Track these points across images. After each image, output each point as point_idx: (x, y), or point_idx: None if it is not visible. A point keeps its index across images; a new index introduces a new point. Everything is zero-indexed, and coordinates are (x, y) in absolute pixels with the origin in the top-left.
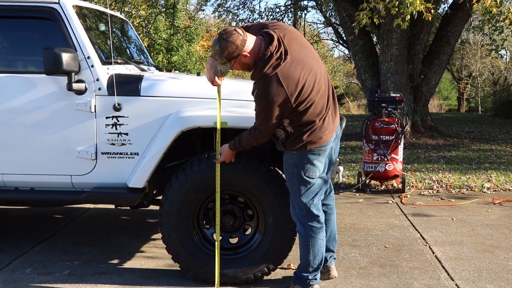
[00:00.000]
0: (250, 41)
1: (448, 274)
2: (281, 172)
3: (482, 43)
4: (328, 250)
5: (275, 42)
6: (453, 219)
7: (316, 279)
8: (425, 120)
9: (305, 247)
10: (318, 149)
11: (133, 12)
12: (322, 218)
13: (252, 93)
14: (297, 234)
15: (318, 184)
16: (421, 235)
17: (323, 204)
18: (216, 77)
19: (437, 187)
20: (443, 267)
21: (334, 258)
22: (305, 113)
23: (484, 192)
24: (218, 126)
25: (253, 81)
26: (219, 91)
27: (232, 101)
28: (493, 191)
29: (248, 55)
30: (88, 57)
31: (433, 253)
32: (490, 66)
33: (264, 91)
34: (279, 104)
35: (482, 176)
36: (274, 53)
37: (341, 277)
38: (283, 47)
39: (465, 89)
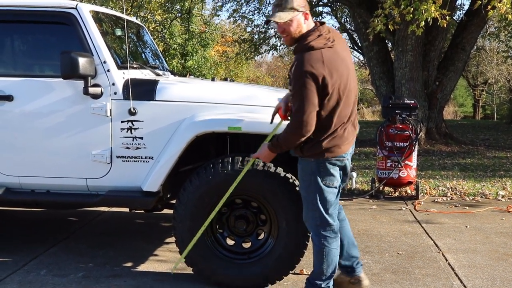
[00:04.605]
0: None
1: (461, 282)
2: (294, 178)
3: (498, 49)
4: (351, 256)
5: (326, 27)
6: (466, 227)
7: (329, 287)
8: (439, 127)
9: (319, 256)
10: (336, 159)
11: (149, 17)
12: (336, 227)
13: (291, 68)
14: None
15: (334, 193)
16: (434, 242)
17: None
18: (280, 111)
19: (451, 194)
20: (456, 275)
21: (361, 264)
22: (329, 119)
23: (499, 200)
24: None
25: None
26: (279, 124)
27: (244, 106)
28: (508, 199)
29: (306, 19)
30: (104, 62)
31: (446, 260)
32: (506, 73)
33: (305, 61)
34: (316, 78)
35: (497, 183)
36: (324, 34)
37: None
38: (332, 35)
39: (480, 96)
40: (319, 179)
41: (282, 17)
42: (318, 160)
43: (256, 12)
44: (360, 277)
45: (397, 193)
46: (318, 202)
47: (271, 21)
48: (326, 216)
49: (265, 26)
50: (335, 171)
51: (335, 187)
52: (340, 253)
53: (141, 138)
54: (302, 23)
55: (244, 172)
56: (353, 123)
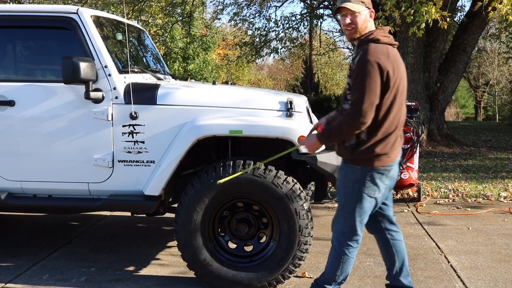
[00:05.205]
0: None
1: (464, 284)
2: (296, 181)
3: (499, 51)
4: (407, 275)
5: (387, 30)
6: (469, 228)
7: None
8: (441, 129)
9: (335, 262)
10: (384, 168)
11: (150, 21)
12: (361, 238)
13: (353, 59)
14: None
15: (372, 204)
16: (436, 244)
17: (389, 229)
18: (320, 127)
19: (453, 196)
20: (459, 277)
21: None
22: (384, 118)
23: (501, 201)
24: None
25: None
26: (292, 149)
27: (245, 109)
28: (510, 200)
29: (371, 17)
30: (106, 66)
31: (449, 262)
32: (508, 74)
33: (371, 51)
34: (381, 69)
35: (499, 185)
36: (387, 34)
37: (356, 286)
38: (393, 40)
39: (482, 97)
40: (362, 188)
41: (354, 6)
42: (366, 168)
43: (256, 15)
44: None
45: (399, 195)
46: (356, 211)
47: (338, 14)
48: (358, 226)
49: (267, 28)
50: (381, 181)
51: (375, 198)
52: (400, 271)
53: (143, 142)
54: (368, 19)
55: (279, 156)
56: (400, 134)
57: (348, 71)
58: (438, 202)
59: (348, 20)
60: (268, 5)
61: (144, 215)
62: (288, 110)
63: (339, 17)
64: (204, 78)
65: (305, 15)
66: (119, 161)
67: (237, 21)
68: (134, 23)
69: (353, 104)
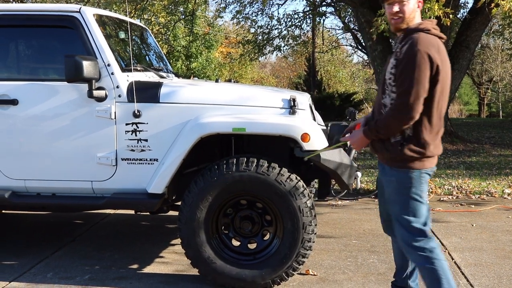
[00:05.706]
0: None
1: (468, 281)
2: (299, 178)
3: (502, 47)
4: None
5: (435, 23)
6: (472, 225)
7: None
8: (444, 126)
9: (435, 276)
10: (432, 169)
11: (153, 19)
12: (430, 233)
13: (401, 48)
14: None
15: (427, 208)
16: (440, 241)
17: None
18: (358, 126)
19: (456, 193)
20: (463, 273)
21: None
22: (431, 117)
23: (505, 198)
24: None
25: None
26: (339, 145)
27: (248, 107)
28: None
29: (418, 8)
30: (108, 65)
31: (453, 259)
32: (511, 71)
33: (422, 41)
34: (431, 60)
35: (503, 182)
36: (436, 27)
37: (360, 283)
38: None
39: (485, 94)
40: (418, 191)
41: None
42: (418, 170)
43: (259, 13)
44: None
45: None
46: (417, 217)
47: (384, 3)
48: (425, 229)
49: (270, 26)
50: (426, 183)
51: (425, 201)
52: (410, 274)
53: (146, 140)
54: (416, 9)
55: (330, 148)
56: (442, 133)
57: (393, 60)
58: (441, 199)
59: (396, 9)
60: (271, 3)
61: (148, 213)
62: (291, 107)
63: (385, 6)
64: (207, 76)
65: (307, 13)
66: (122, 159)
67: (240, 19)
68: (136, 21)
69: (400, 97)
